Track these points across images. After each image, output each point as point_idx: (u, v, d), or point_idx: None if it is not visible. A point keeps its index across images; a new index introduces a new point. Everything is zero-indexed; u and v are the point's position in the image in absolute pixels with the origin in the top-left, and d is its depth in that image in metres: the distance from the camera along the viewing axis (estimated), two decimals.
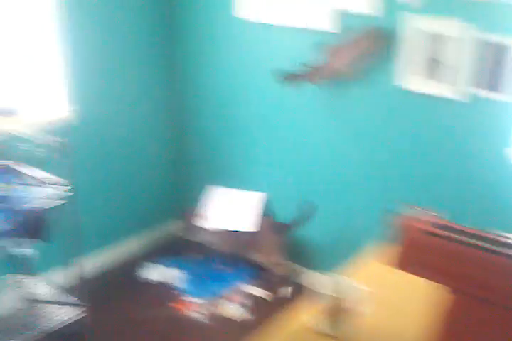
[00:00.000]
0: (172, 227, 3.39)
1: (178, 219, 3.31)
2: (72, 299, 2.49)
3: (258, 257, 2.95)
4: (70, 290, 2.58)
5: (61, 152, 2.19)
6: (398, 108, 2.46)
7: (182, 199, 3.32)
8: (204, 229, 2.98)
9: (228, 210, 3.00)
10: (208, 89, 3.06)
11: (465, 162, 2.34)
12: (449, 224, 1.12)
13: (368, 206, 2.69)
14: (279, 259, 2.93)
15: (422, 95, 2.34)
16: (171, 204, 3.34)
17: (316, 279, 2.67)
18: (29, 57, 2.47)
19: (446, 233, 1.09)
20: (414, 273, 1.12)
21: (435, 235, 1.09)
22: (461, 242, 1.07)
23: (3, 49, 2.37)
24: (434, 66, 2.27)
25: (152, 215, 3.29)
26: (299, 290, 2.89)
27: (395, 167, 2.59)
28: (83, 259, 2.44)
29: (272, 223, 2.93)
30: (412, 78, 2.33)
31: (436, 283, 1.09)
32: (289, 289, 2.91)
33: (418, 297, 1.32)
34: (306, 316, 1.34)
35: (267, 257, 2.93)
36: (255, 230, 2.89)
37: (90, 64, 2.70)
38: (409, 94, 2.37)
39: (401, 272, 1.12)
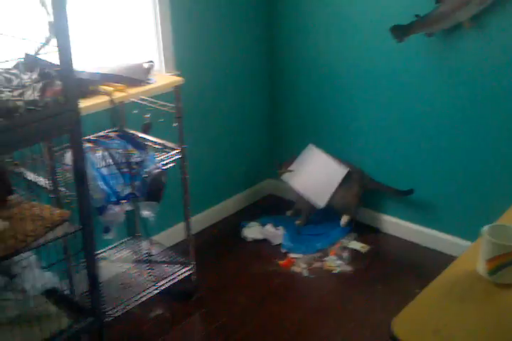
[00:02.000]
0: (269, 187, 3.48)
1: (274, 179, 3.41)
2: (180, 258, 2.61)
3: (335, 204, 3.00)
4: (178, 249, 2.71)
5: (174, 117, 2.25)
6: None
7: (278, 159, 3.33)
8: (288, 184, 3.07)
9: (310, 175, 3.04)
10: (309, 45, 2.99)
11: None
12: None
13: (486, 162, 2.62)
14: (353, 203, 3.00)
15: None
16: (268, 164, 3.41)
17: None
18: (132, 24, 2.53)
19: None
20: None
21: None
22: None
23: (110, 19, 2.42)
24: None
25: (252, 175, 3.39)
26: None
27: None
28: (190, 220, 2.53)
29: (361, 175, 2.97)
30: None
31: None
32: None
33: None
34: (474, 262, 1.36)
35: (341, 198, 2.98)
36: (321, 207, 2.93)
37: (192, 29, 2.73)
38: None
39: None
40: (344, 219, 3.02)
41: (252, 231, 3.05)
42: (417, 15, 2.45)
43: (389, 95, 2.81)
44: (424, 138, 2.78)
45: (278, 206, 3.33)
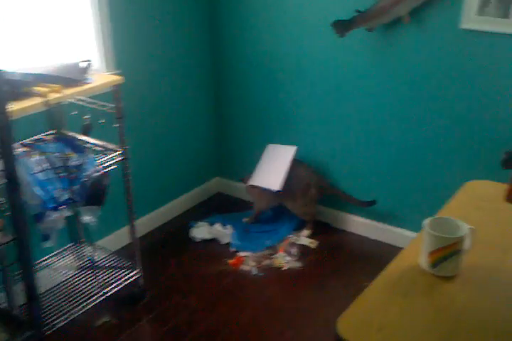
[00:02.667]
0: (217, 185, 3.45)
1: (222, 177, 3.40)
2: (126, 262, 2.55)
3: (291, 206, 2.99)
4: (124, 253, 2.64)
5: (114, 117, 2.19)
6: (465, 53, 2.37)
7: (225, 157, 3.35)
8: (248, 186, 3.03)
9: (264, 167, 3.00)
10: (252, 42, 2.96)
11: None
12: None
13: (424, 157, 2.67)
14: (311, 210, 2.99)
15: (494, 36, 2.24)
16: (215, 163, 3.40)
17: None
18: (68, 22, 2.43)
19: None
20: None
21: None
22: None
23: (42, 16, 2.31)
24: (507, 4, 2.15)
25: (199, 174, 3.35)
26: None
27: (462, 124, 2.49)
28: (135, 223, 2.47)
29: (314, 178, 2.95)
30: (481, 19, 2.22)
31: None
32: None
33: None
34: (416, 255, 1.37)
35: (300, 207, 2.97)
36: (279, 190, 2.89)
37: (131, 26, 2.65)
38: (478, 36, 2.28)
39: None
40: (305, 233, 3.00)
41: (201, 231, 3.00)
42: (357, 10, 2.46)
43: (331, 91, 2.82)
44: (370, 134, 2.79)
45: (227, 204, 3.32)
